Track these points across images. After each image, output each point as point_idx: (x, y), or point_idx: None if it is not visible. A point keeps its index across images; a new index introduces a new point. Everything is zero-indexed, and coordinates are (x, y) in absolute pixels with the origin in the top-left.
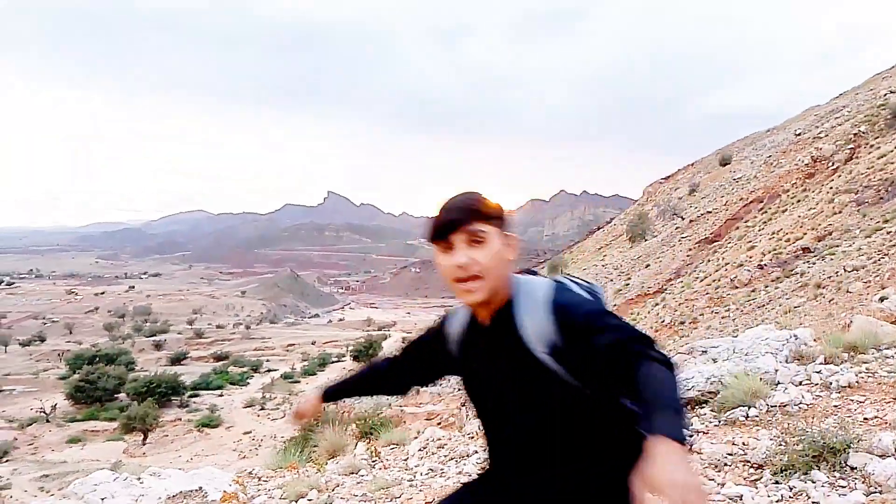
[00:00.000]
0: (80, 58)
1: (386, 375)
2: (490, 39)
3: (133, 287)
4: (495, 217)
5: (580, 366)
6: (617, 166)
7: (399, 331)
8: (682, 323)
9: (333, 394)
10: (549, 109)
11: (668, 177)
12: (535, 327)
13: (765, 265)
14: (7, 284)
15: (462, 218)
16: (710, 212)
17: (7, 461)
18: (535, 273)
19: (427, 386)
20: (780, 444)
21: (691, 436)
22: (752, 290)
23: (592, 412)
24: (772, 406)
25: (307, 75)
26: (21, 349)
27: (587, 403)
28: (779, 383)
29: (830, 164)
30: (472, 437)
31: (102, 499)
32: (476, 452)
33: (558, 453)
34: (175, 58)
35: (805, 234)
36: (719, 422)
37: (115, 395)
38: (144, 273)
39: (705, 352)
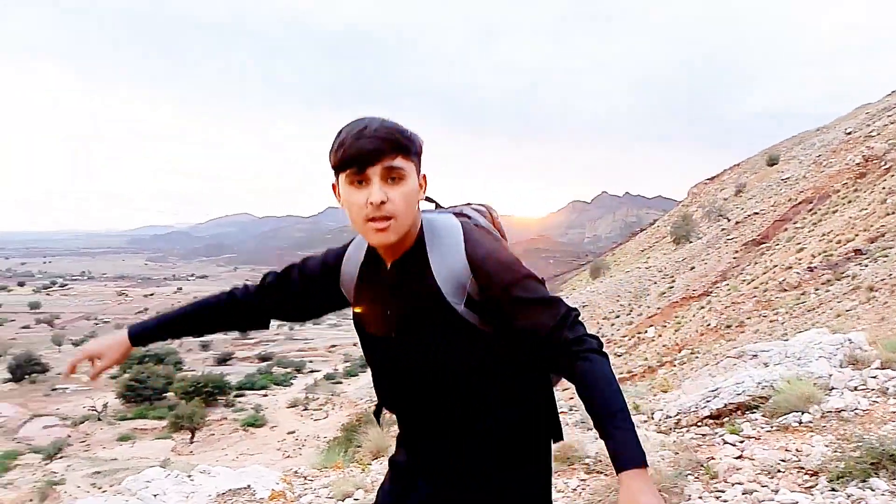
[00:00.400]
0: (121, 60)
1: (234, 307)
2: (530, 39)
3: (181, 289)
4: (416, 153)
5: (495, 316)
6: (660, 167)
7: None
8: (729, 326)
9: (148, 333)
10: (590, 109)
11: (714, 177)
12: (450, 276)
13: (815, 267)
14: (61, 286)
15: (385, 150)
16: (757, 213)
17: (61, 458)
18: (436, 203)
19: (294, 322)
20: (837, 451)
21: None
22: (802, 293)
23: (511, 367)
24: (826, 411)
25: (347, 79)
26: (74, 349)
27: (506, 357)
28: (833, 388)
29: (883, 163)
30: None
31: (154, 495)
32: None
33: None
34: (218, 64)
35: (857, 235)
36: (771, 427)
37: (164, 395)
38: (192, 275)
39: (756, 356)
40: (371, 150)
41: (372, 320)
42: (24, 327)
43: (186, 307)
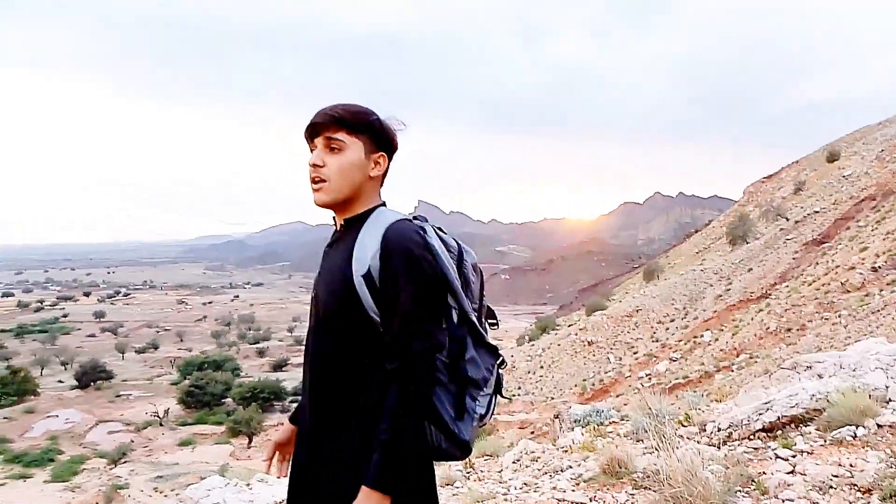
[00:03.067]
0: (169, 71)
1: None
2: (578, 36)
3: (237, 296)
4: (362, 131)
5: (378, 303)
6: (715, 165)
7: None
8: (789, 330)
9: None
10: (642, 107)
11: (771, 175)
12: (362, 246)
13: (879, 267)
14: (124, 295)
15: (323, 123)
16: (817, 211)
17: (125, 462)
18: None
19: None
20: (891, 467)
21: (399, 486)
22: (866, 295)
23: (374, 358)
24: (882, 425)
25: (390, 83)
26: (137, 356)
27: (375, 347)
28: (890, 401)
29: None
30: (566, 451)
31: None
32: (570, 467)
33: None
34: (264, 71)
35: None
36: (825, 441)
37: (223, 400)
38: (248, 283)
39: (810, 367)
40: (316, 123)
41: (316, 283)
42: (89, 336)
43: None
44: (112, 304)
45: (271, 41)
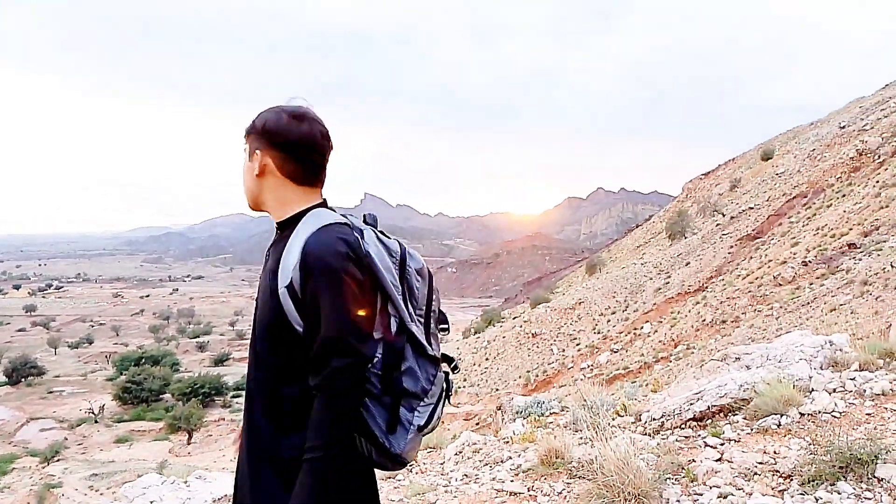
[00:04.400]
0: (111, 61)
1: None
2: (529, 36)
3: (177, 290)
4: (248, 135)
5: (303, 316)
6: (656, 163)
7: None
8: (724, 322)
9: None
10: (587, 107)
11: (709, 173)
12: (287, 257)
13: (809, 262)
14: (56, 288)
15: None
16: (752, 208)
17: (58, 460)
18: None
19: None
20: (810, 454)
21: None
22: (797, 288)
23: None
24: (805, 414)
25: (343, 78)
26: (70, 351)
27: (303, 359)
28: (812, 391)
29: (877, 157)
30: (508, 442)
31: (151, 502)
32: (510, 458)
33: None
34: (209, 64)
35: (851, 229)
36: (751, 430)
37: (161, 396)
38: (187, 276)
39: (739, 358)
40: None
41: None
42: (19, 330)
43: None
44: (44, 297)
45: (222, 33)
